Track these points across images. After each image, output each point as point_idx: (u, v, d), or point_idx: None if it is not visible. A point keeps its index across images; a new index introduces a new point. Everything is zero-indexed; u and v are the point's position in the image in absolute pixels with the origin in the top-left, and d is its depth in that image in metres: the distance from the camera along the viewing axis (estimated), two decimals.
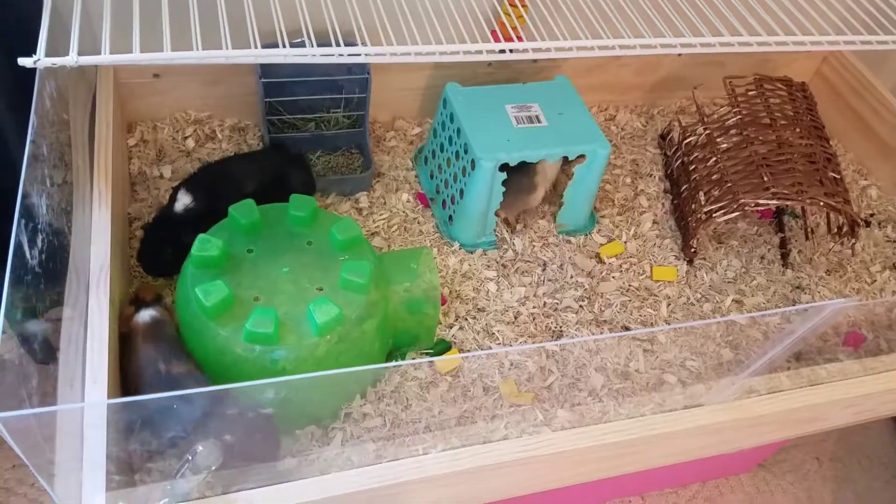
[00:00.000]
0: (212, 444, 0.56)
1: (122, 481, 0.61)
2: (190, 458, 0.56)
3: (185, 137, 1.05)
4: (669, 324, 0.95)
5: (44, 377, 0.66)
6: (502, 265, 0.99)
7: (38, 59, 0.57)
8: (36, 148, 0.67)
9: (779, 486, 1.28)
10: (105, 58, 0.60)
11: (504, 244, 1.01)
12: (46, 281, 0.68)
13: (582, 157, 0.97)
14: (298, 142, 1.06)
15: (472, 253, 1.00)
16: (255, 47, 0.65)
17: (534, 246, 1.02)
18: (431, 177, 1.07)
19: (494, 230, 1.01)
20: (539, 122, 0.98)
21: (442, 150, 1.03)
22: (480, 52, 0.72)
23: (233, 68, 1.03)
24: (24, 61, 0.57)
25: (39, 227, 0.67)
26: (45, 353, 0.68)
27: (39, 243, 0.67)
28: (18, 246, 0.60)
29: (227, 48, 0.64)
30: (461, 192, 0.97)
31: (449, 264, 0.98)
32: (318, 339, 0.74)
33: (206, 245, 0.76)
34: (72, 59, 0.57)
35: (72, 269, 0.73)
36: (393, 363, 0.84)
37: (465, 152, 0.95)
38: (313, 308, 0.73)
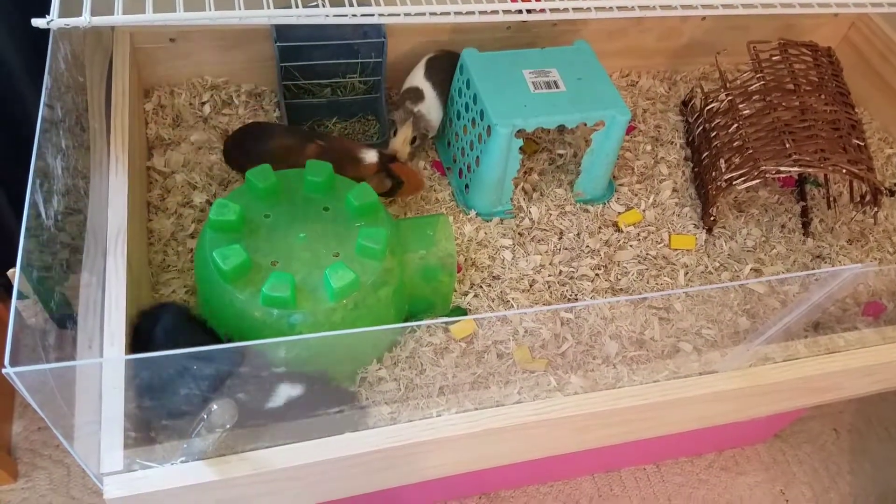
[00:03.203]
0: (226, 402, 0.57)
1: (139, 439, 0.63)
2: (205, 416, 0.57)
3: (203, 103, 1.05)
4: (687, 294, 0.94)
5: (62, 340, 0.67)
6: (518, 233, 0.99)
7: (52, 20, 0.57)
8: (50, 110, 0.68)
9: (795, 457, 1.28)
10: (117, 18, 0.60)
11: (521, 213, 1.01)
12: (63, 244, 0.69)
13: (601, 123, 0.95)
14: (314, 108, 1.06)
15: (488, 221, 1.00)
16: (269, 8, 0.65)
17: (550, 215, 1.01)
18: (448, 146, 1.06)
19: (511, 199, 1.00)
20: (557, 87, 0.97)
21: (459, 118, 1.02)
22: (497, 12, 0.71)
23: (249, 33, 1.02)
24: (37, 22, 0.58)
25: (55, 189, 0.68)
26: (63, 316, 0.69)
27: (55, 205, 0.67)
28: (34, 208, 0.60)
29: (240, 9, 0.64)
30: (477, 159, 0.96)
31: (465, 232, 0.98)
32: (335, 304, 0.74)
33: (223, 209, 0.77)
34: (84, 19, 0.57)
35: (89, 233, 0.74)
36: (408, 324, 0.85)
37: (482, 119, 0.94)
38: (329, 273, 0.73)
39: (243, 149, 0.94)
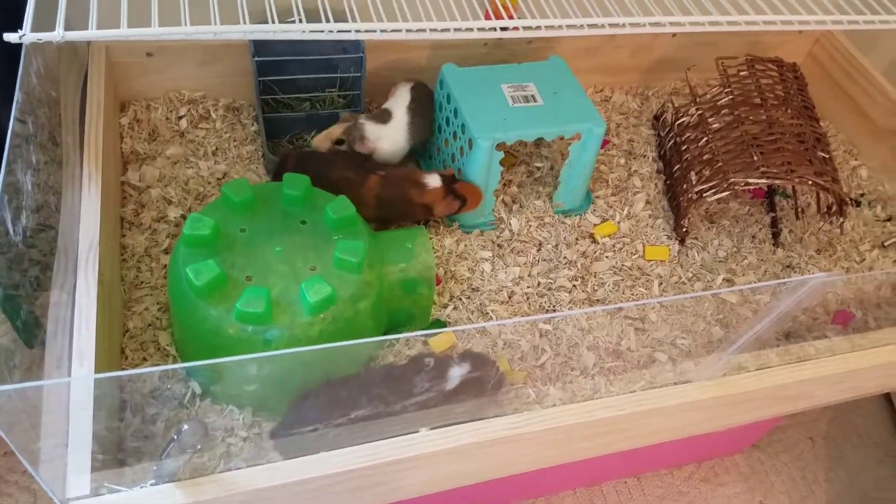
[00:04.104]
0: (196, 422, 0.56)
1: (107, 461, 0.61)
2: (175, 437, 0.56)
3: (179, 117, 1.05)
4: (661, 304, 0.95)
5: (30, 360, 0.66)
6: (498, 245, 0.99)
7: (24, 35, 0.56)
8: (21, 125, 0.67)
9: (773, 466, 1.29)
10: (91, 33, 0.59)
11: (501, 224, 1.02)
12: (33, 261, 0.68)
13: (577, 135, 0.97)
14: (293, 122, 1.06)
15: (469, 233, 1.00)
16: (244, 23, 0.65)
17: (530, 226, 1.02)
18: (431, 158, 1.07)
19: (493, 210, 1.01)
20: (535, 101, 0.98)
21: (440, 131, 1.03)
22: (471, 29, 0.72)
23: (227, 47, 1.02)
24: (9, 37, 0.57)
25: (25, 205, 0.67)
26: (32, 334, 0.68)
27: (25, 221, 0.66)
28: (2, 224, 0.59)
29: (216, 24, 0.64)
30: (459, 172, 0.97)
31: (445, 245, 0.98)
32: (312, 318, 0.74)
33: (197, 224, 0.76)
34: (57, 34, 0.57)
35: (60, 249, 0.73)
36: (386, 337, 0.84)
37: (463, 132, 0.95)
38: (305, 287, 0.73)
39: (309, 170, 0.91)
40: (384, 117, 1.00)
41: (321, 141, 0.97)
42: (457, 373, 0.74)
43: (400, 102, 1.01)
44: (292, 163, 0.94)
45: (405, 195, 0.93)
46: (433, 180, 0.93)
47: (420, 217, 0.96)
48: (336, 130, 0.97)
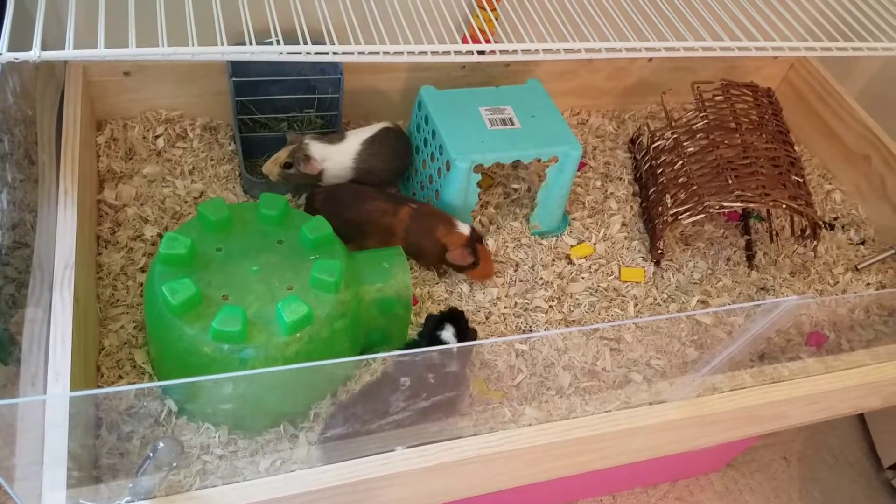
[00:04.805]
0: (172, 439, 0.56)
1: (83, 478, 0.61)
2: (151, 454, 0.56)
3: (156, 136, 1.05)
4: (637, 325, 0.96)
5: (4, 376, 0.65)
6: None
7: (0, 54, 0.57)
8: None
9: (747, 486, 1.30)
10: (68, 53, 0.59)
11: None
12: (8, 278, 0.68)
13: (554, 158, 0.98)
14: (270, 142, 1.06)
15: None
16: (222, 44, 0.65)
17: (507, 247, 1.03)
18: (409, 178, 1.08)
19: None
20: (512, 124, 1.00)
21: (418, 152, 1.04)
22: (448, 52, 0.73)
23: (204, 67, 1.03)
24: None
25: None
26: (7, 351, 0.67)
27: None
28: None
29: (193, 45, 0.64)
30: (437, 193, 0.98)
31: None
32: (288, 337, 0.74)
33: (173, 243, 0.76)
34: (34, 53, 0.57)
35: (35, 266, 0.72)
36: (363, 356, 0.84)
37: (440, 154, 0.96)
38: (282, 307, 0.73)
39: (340, 203, 0.94)
40: (334, 138, 0.99)
41: (269, 168, 0.96)
42: (448, 333, 0.80)
43: (362, 133, 1.01)
44: (320, 199, 0.95)
45: (433, 230, 0.93)
46: (463, 227, 0.94)
47: (435, 256, 0.95)
48: (282, 154, 0.96)
